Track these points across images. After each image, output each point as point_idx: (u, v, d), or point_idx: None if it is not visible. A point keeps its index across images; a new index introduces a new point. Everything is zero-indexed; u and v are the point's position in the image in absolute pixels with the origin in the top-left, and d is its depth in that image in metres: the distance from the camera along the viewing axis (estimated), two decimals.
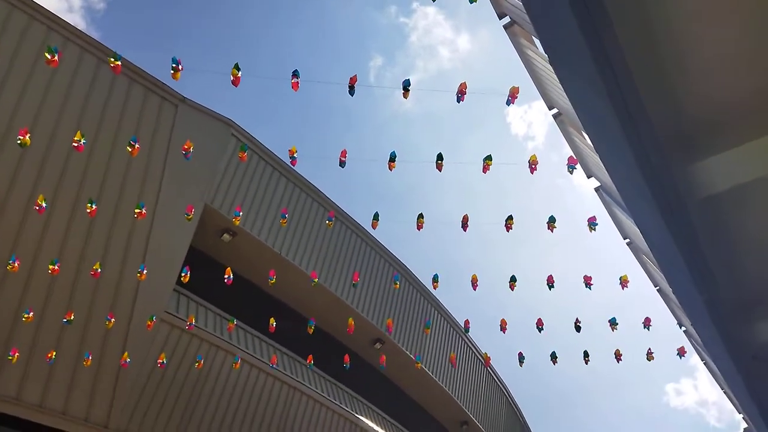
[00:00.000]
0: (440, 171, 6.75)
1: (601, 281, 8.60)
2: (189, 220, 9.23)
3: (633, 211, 5.07)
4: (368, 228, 14.29)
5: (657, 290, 10.37)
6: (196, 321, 10.76)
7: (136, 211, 8.31)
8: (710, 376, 12.54)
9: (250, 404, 12.40)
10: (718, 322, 5.73)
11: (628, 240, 9.29)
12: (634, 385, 51.64)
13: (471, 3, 5.20)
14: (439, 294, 16.44)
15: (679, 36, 3.36)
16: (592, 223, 7.25)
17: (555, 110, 6.71)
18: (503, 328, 9.55)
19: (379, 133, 43.97)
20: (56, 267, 8.59)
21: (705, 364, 11.89)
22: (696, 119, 3.77)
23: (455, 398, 18.69)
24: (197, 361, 10.77)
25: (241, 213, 10.61)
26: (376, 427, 15.58)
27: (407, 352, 16.12)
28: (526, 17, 4.64)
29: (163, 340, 10.85)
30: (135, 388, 10.55)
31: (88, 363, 9.63)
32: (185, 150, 7.75)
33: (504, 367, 25.62)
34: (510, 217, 7.44)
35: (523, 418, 25.63)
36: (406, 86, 6.26)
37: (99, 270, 8.96)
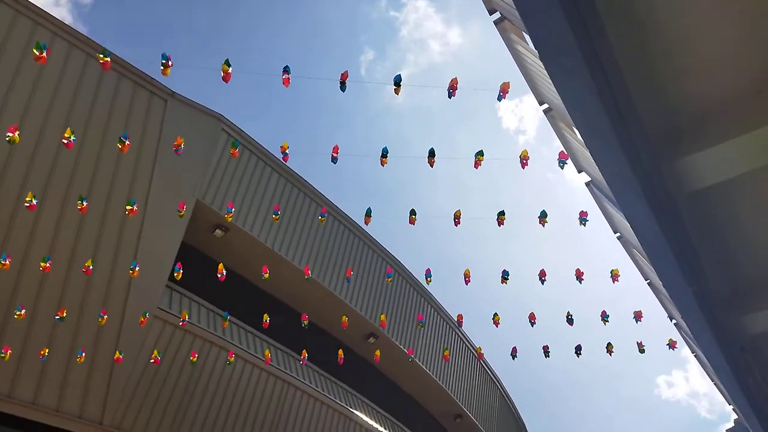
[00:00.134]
0: (432, 167, 6.78)
1: (592, 275, 8.67)
2: (181, 217, 9.20)
3: (623, 205, 5.12)
4: (361, 223, 14.30)
5: (647, 283, 10.46)
6: (189, 317, 10.74)
7: (128, 207, 8.28)
8: (701, 368, 12.68)
9: (244, 399, 12.42)
10: (708, 315, 5.81)
11: (618, 234, 9.36)
12: (626, 377, 52.17)
13: None
14: (432, 288, 16.48)
15: (668, 34, 3.39)
16: (582, 219, 7.30)
17: (546, 106, 6.74)
18: (496, 323, 9.61)
19: (370, 128, 43.92)
20: (48, 264, 8.55)
21: (695, 356, 12.02)
22: (684, 115, 3.81)
23: (449, 392, 18.80)
24: (191, 356, 10.77)
25: (233, 210, 10.58)
26: (370, 421, 15.65)
27: (401, 347, 16.18)
28: (517, 13, 4.66)
29: (156, 337, 10.84)
30: (129, 385, 10.54)
31: (82, 360, 9.61)
32: (177, 146, 7.72)
33: (497, 360, 25.80)
34: (502, 213, 7.47)
35: (516, 410, 25.83)
36: (397, 82, 6.26)
37: (91, 267, 8.92)
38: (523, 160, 6.67)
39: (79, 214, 8.95)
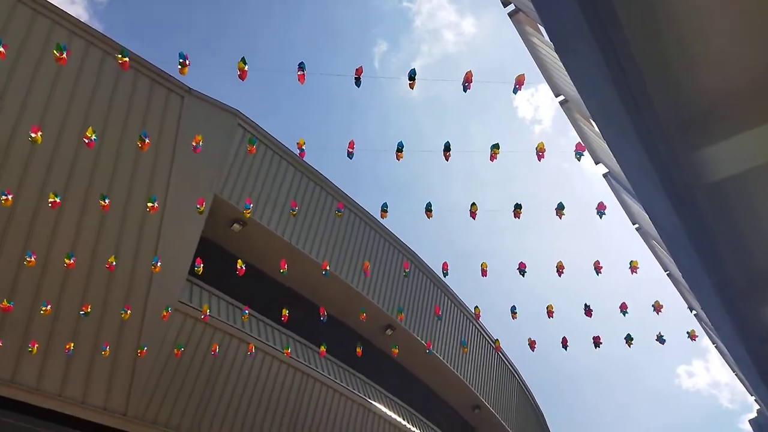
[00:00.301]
0: (447, 160, 6.78)
1: (610, 266, 8.62)
2: (201, 213, 9.31)
3: (641, 197, 5.09)
4: (377, 216, 14.35)
5: (667, 274, 10.37)
6: (209, 310, 10.91)
7: (149, 204, 8.41)
8: (721, 358, 12.55)
9: (264, 391, 12.59)
10: (728, 306, 5.76)
11: (637, 225, 9.28)
12: (645, 367, 51.74)
13: None
14: (449, 280, 16.49)
15: (682, 24, 3.36)
16: (600, 212, 7.24)
17: (561, 97, 6.69)
18: (514, 316, 9.60)
19: (384, 121, 43.85)
20: (71, 261, 8.74)
21: (716, 347, 11.90)
22: (701, 106, 3.78)
23: (467, 383, 18.84)
24: (212, 350, 10.94)
25: (251, 206, 10.68)
26: (388, 412, 15.76)
27: (419, 338, 16.24)
28: (531, 5, 4.64)
29: (178, 330, 11.03)
30: (152, 377, 10.76)
31: (107, 354, 9.82)
32: (195, 143, 7.82)
33: (515, 351, 25.75)
34: (519, 206, 7.45)
35: (535, 401, 25.79)
36: (412, 76, 6.26)
37: (114, 263, 9.09)
38: (540, 152, 6.64)
39: (99, 210, 9.11)
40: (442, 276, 9.41)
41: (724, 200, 4.50)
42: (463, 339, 18.54)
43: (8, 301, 8.72)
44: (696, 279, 5.75)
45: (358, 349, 11.36)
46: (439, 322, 17.61)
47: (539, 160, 6.63)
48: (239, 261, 9.80)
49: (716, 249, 5.16)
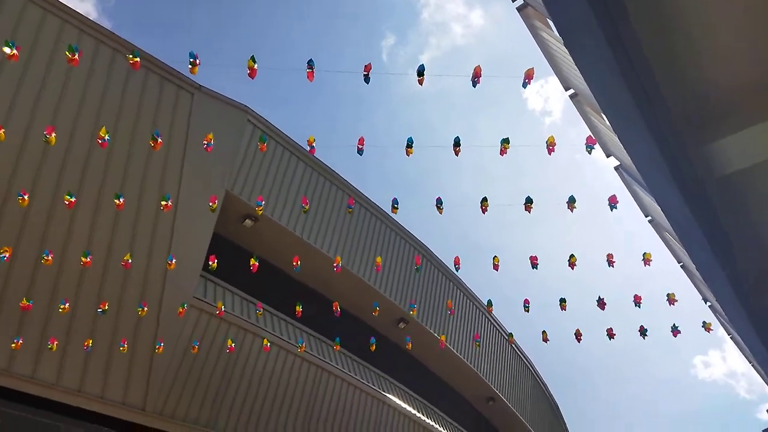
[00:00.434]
0: (458, 156, 6.77)
1: (622, 258, 8.58)
2: (213, 211, 9.39)
3: (653, 190, 5.07)
4: (388, 211, 14.38)
5: (681, 266, 10.29)
6: (223, 306, 11.02)
7: (162, 203, 8.50)
8: (737, 349, 12.45)
9: (280, 384, 12.71)
10: (742, 297, 5.73)
11: (650, 218, 9.22)
12: (660, 358, 51.42)
13: None
14: (461, 273, 16.49)
15: (691, 18, 3.34)
16: (612, 205, 7.21)
17: (572, 91, 6.65)
18: (526, 307, 9.60)
19: (393, 115, 43.75)
20: (88, 259, 8.86)
21: (731, 338, 11.81)
22: (710, 100, 3.75)
23: (481, 375, 18.87)
24: (229, 346, 11.06)
25: (263, 203, 10.75)
26: (403, 404, 15.85)
27: (431, 331, 16.29)
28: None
29: (193, 325, 11.16)
30: (169, 372, 10.91)
31: (125, 350, 9.97)
32: (207, 142, 7.88)
33: (528, 343, 25.70)
34: (530, 200, 7.43)
35: (549, 393, 25.77)
36: (420, 72, 6.26)
37: (130, 261, 9.21)
38: (550, 146, 6.61)
39: (113, 209, 9.21)
40: (454, 270, 9.42)
41: (736, 192, 4.48)
42: (476, 333, 18.57)
43: (27, 300, 8.88)
44: (710, 271, 5.73)
45: (372, 347, 11.43)
46: (452, 315, 17.64)
47: (549, 154, 6.61)
48: (252, 258, 9.88)
49: (730, 240, 5.13)
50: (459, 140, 6.82)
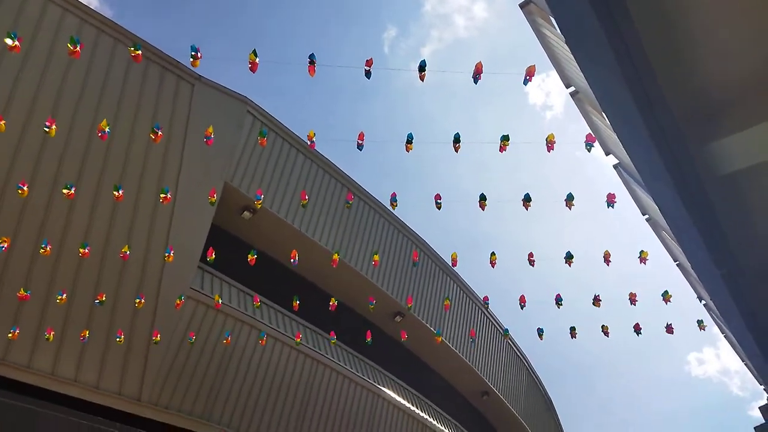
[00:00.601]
0: (457, 152, 6.78)
1: (619, 255, 8.62)
2: (212, 204, 9.38)
3: (651, 189, 5.09)
4: (387, 205, 14.40)
5: (677, 265, 10.34)
6: (220, 297, 11.03)
7: (161, 195, 8.49)
8: (731, 347, 12.54)
9: (275, 377, 12.75)
10: (737, 297, 5.77)
11: (647, 216, 9.25)
12: (655, 355, 51.69)
13: None
14: (458, 268, 16.55)
15: (692, 17, 3.35)
16: (610, 203, 7.24)
17: (572, 88, 6.66)
18: (522, 302, 9.64)
19: (393, 109, 43.66)
20: (86, 250, 8.86)
21: (725, 336, 11.89)
22: (711, 100, 3.77)
23: (476, 369, 18.97)
24: (225, 338, 11.09)
25: (262, 197, 10.74)
26: (398, 398, 15.92)
27: (428, 325, 16.35)
28: None
29: (189, 317, 11.18)
30: (165, 363, 10.93)
31: (121, 342, 9.98)
32: (207, 135, 7.87)
33: (524, 339, 25.82)
34: (528, 198, 7.45)
35: (544, 388, 25.91)
36: (422, 67, 6.26)
37: (128, 252, 9.21)
38: (549, 143, 6.63)
39: (112, 199, 9.20)
40: (451, 263, 9.45)
41: (735, 193, 4.50)
42: (472, 329, 18.64)
43: (25, 290, 8.88)
44: (706, 270, 5.77)
45: (368, 334, 11.44)
46: (448, 309, 17.70)
47: (549, 152, 6.63)
48: (250, 252, 9.88)
49: (727, 241, 5.16)
50: (459, 137, 6.83)
